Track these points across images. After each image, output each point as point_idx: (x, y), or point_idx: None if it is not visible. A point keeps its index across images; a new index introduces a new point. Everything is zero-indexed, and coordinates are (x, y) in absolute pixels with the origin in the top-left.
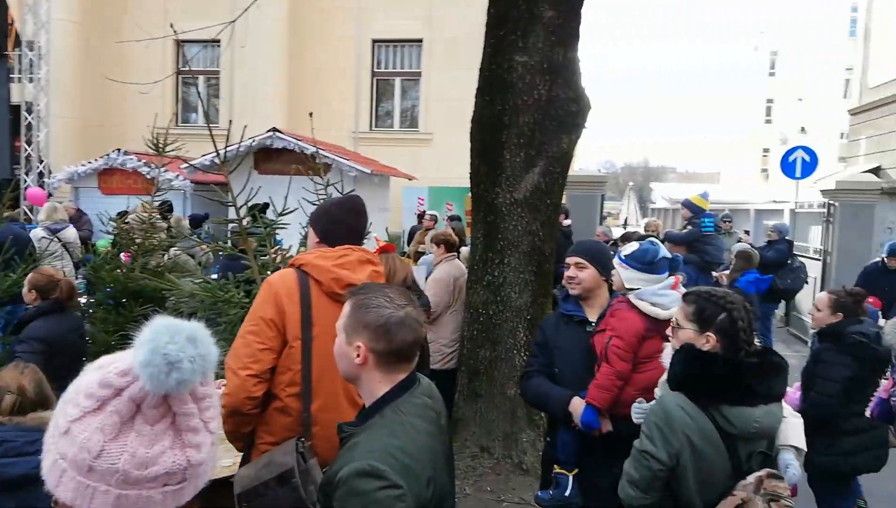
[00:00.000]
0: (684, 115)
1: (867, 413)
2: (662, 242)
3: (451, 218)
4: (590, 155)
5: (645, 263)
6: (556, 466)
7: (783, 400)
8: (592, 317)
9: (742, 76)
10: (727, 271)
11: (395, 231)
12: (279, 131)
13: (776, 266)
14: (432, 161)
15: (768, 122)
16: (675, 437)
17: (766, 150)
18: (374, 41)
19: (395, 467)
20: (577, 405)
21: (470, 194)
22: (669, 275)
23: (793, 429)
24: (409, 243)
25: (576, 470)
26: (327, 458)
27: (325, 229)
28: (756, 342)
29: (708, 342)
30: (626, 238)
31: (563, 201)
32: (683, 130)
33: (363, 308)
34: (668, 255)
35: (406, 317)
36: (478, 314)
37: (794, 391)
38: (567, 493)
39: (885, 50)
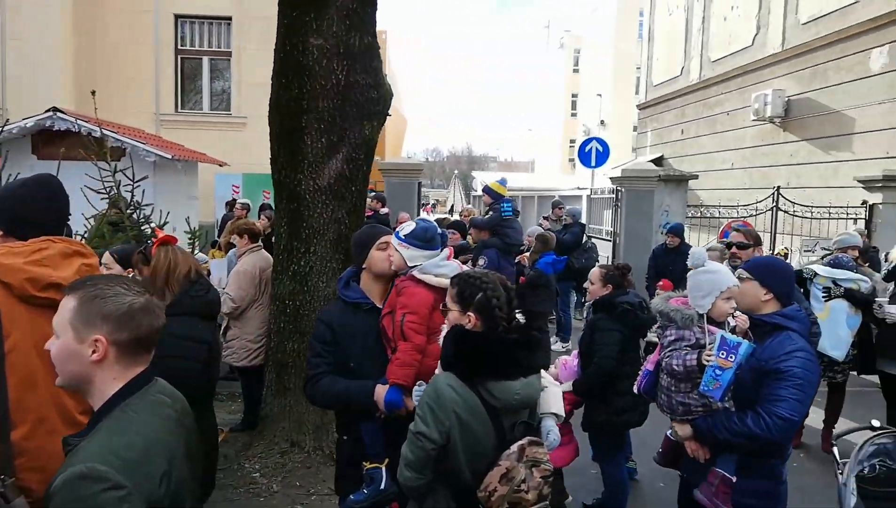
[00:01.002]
0: (505, 107)
1: (634, 388)
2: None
3: (263, 207)
4: (417, 143)
5: (425, 240)
6: (365, 462)
7: (558, 367)
8: (380, 302)
9: (552, 72)
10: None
11: (206, 221)
12: (60, 111)
13: (572, 248)
14: (247, 146)
15: (574, 115)
16: (445, 415)
17: (572, 141)
18: (177, 16)
19: (119, 466)
20: (382, 391)
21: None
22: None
23: (553, 397)
24: (219, 234)
25: (387, 460)
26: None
27: (11, 218)
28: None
29: (469, 321)
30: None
31: (381, 190)
32: (504, 122)
33: (98, 299)
34: (440, 231)
35: (148, 303)
36: (284, 306)
37: (571, 358)
38: (383, 486)
39: (665, 52)
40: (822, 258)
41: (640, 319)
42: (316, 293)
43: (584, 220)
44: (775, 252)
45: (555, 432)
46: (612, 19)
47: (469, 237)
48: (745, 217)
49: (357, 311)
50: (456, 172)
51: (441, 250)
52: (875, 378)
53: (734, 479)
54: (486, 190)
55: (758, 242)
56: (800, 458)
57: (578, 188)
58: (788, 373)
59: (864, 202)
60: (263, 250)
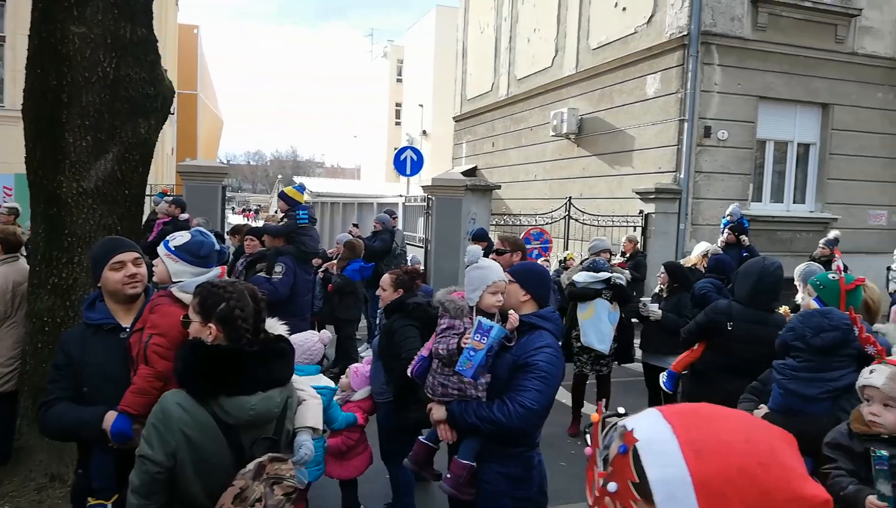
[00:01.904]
0: (331, 112)
1: (408, 371)
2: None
3: None
4: (238, 145)
5: (198, 256)
6: (90, 498)
7: (349, 376)
8: (127, 321)
9: (376, 80)
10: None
11: None
12: None
13: (381, 254)
14: (21, 144)
15: (398, 124)
16: (171, 435)
17: (396, 149)
18: None
19: None
20: (111, 418)
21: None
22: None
23: (310, 410)
24: None
25: (115, 496)
26: None
27: None
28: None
29: (211, 332)
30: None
31: (180, 194)
32: (331, 127)
33: None
34: (219, 247)
35: None
36: (42, 324)
37: (363, 365)
38: None
39: (477, 67)
40: (582, 263)
41: (429, 314)
42: (80, 309)
43: (400, 226)
44: (559, 258)
45: (307, 446)
46: (432, 33)
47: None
48: (542, 225)
49: (98, 332)
50: (280, 176)
51: (213, 269)
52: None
53: (474, 465)
54: (282, 196)
55: (516, 248)
56: (577, 446)
57: (401, 196)
58: (534, 366)
59: (641, 212)
60: (23, 260)
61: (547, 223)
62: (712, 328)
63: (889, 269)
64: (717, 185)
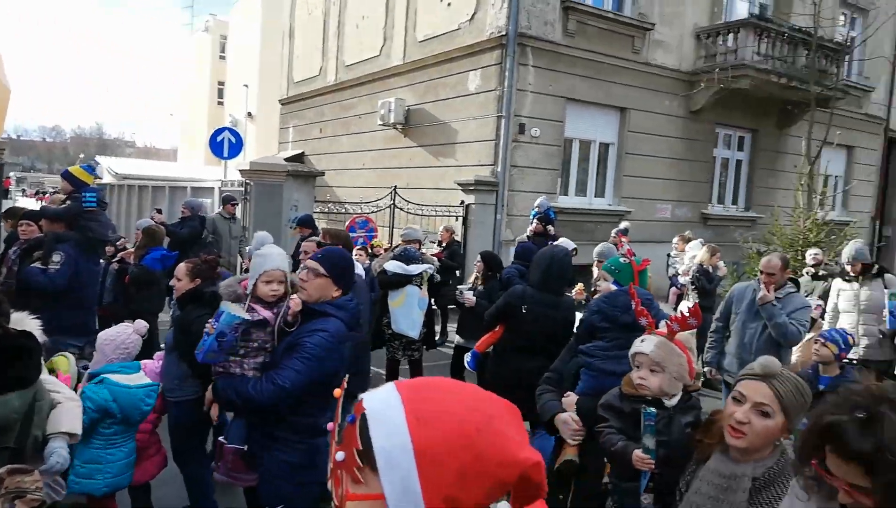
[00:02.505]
0: (150, 89)
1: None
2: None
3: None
4: (32, 118)
5: None
6: None
7: (143, 369)
8: None
9: (197, 56)
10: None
11: None
12: None
13: (189, 242)
14: None
15: (220, 104)
16: None
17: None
18: None
19: None
20: None
21: None
22: None
23: (66, 414)
24: None
25: None
26: None
27: None
28: None
29: None
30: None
31: None
32: (145, 103)
33: None
34: None
35: None
36: None
37: (154, 360)
38: None
39: (306, 50)
40: (393, 250)
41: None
42: None
43: (214, 213)
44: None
45: (60, 454)
46: (259, 10)
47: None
48: (368, 213)
49: None
50: (82, 155)
51: None
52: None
53: (242, 448)
54: (65, 176)
55: (338, 241)
56: None
57: (219, 181)
58: (300, 347)
59: (462, 202)
60: None
61: (373, 212)
62: (509, 311)
63: (669, 255)
64: (529, 178)
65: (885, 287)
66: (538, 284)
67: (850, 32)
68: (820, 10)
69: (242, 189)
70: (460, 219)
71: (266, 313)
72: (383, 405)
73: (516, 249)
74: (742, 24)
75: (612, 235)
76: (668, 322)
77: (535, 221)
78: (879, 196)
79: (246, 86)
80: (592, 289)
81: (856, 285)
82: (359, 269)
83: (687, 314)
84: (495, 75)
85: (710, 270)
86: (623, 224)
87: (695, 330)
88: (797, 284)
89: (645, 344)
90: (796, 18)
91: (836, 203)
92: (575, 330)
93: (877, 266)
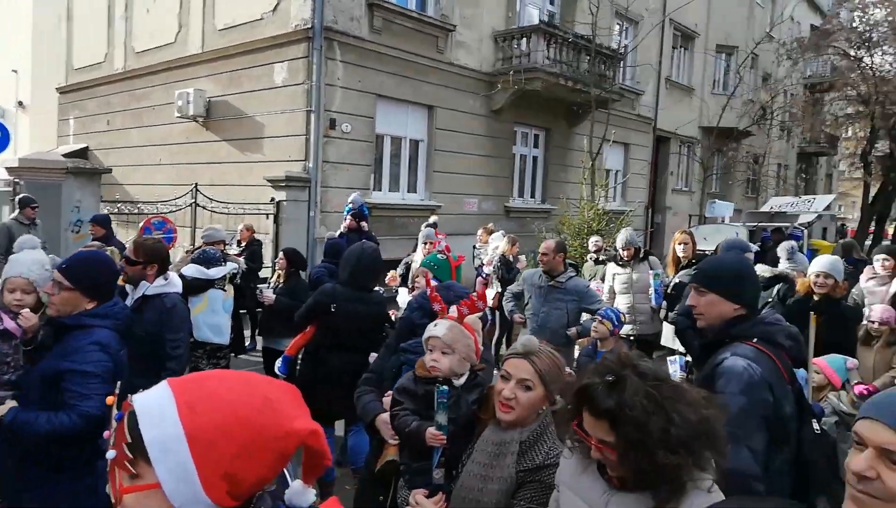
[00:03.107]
0: None
1: None
2: None
3: None
4: None
5: None
6: None
7: None
8: None
9: None
10: None
11: None
12: None
13: None
14: None
15: None
16: None
17: None
18: None
19: None
20: None
21: None
22: None
23: None
24: None
25: None
26: None
27: None
28: None
29: None
30: None
31: None
32: None
33: None
34: None
35: None
36: None
37: None
38: None
39: (88, 34)
40: (193, 252)
41: None
42: None
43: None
44: (187, 248)
45: None
46: None
47: None
48: (166, 213)
49: None
50: None
51: None
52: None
53: None
54: None
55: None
56: None
57: None
58: (80, 371)
59: (273, 199)
60: None
61: (171, 212)
62: (319, 310)
63: (474, 247)
64: (342, 174)
65: (651, 269)
66: (347, 281)
67: (622, 41)
68: (597, 20)
69: (11, 189)
70: (271, 217)
71: (9, 324)
72: (153, 400)
73: (325, 246)
74: (533, 30)
75: (423, 228)
76: (459, 306)
77: (348, 217)
78: (650, 188)
79: (15, 71)
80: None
81: (628, 268)
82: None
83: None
84: (303, 69)
85: (511, 259)
86: (432, 218)
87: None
88: (577, 268)
89: (437, 328)
90: (578, 27)
91: (616, 195)
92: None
93: (643, 250)
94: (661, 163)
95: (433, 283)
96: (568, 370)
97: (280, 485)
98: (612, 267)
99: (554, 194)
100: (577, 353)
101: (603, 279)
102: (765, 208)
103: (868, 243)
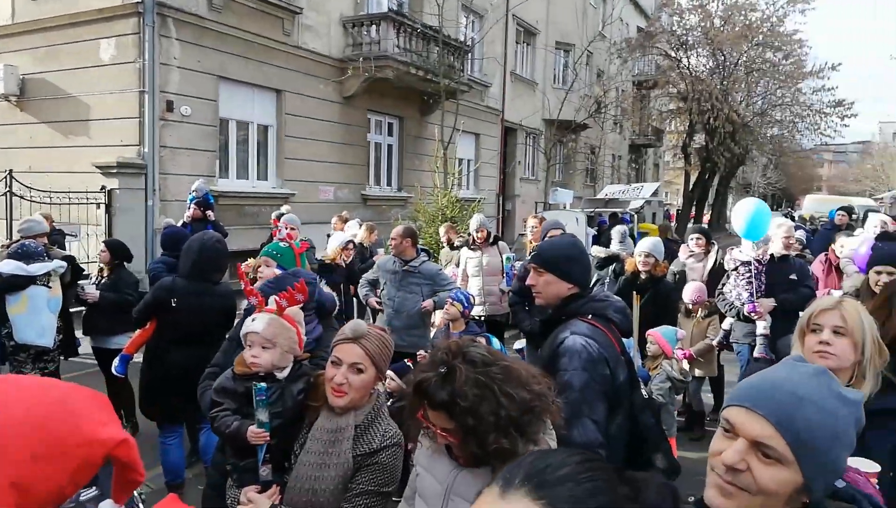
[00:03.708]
0: None
1: None
2: None
3: None
4: None
5: None
6: None
7: None
8: None
9: None
10: None
11: None
12: None
13: None
14: None
15: None
16: None
17: None
18: None
19: None
20: None
21: None
22: None
23: None
24: None
25: None
26: None
27: None
28: None
29: None
30: None
31: None
32: None
33: None
34: None
35: None
36: None
37: None
38: None
39: None
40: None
41: None
42: None
43: None
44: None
45: None
46: None
47: None
48: None
49: None
50: None
51: None
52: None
53: None
54: None
55: None
56: None
57: None
58: None
59: (104, 187)
60: None
61: None
62: (159, 306)
63: (328, 236)
64: (183, 160)
65: (501, 253)
66: (189, 273)
67: (468, 34)
68: (444, 12)
69: None
70: (102, 206)
71: None
72: None
73: (161, 239)
74: (383, 18)
75: (273, 217)
76: (277, 299)
77: (192, 205)
78: (500, 176)
79: None
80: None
81: (479, 252)
82: None
83: (295, 291)
84: (134, 46)
85: (369, 247)
86: (283, 207)
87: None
88: (429, 253)
89: (256, 323)
90: (426, 17)
91: (470, 183)
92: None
93: (493, 235)
94: (510, 153)
95: (277, 272)
96: (422, 352)
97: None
98: (465, 251)
99: (410, 181)
100: (432, 334)
101: (458, 265)
102: (600, 195)
103: (690, 225)
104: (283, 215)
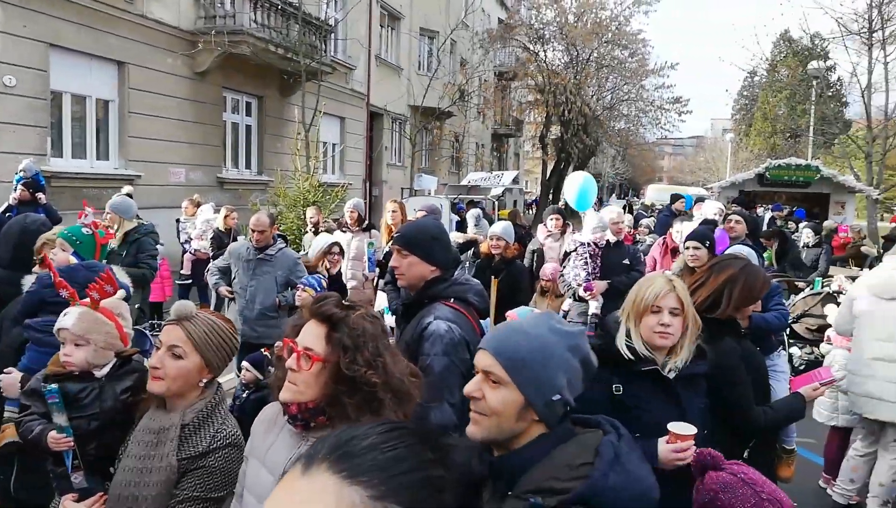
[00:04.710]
0: None
1: None
2: None
3: None
4: None
5: None
6: None
7: None
8: None
9: None
10: None
11: None
12: None
13: None
14: None
15: None
16: None
17: None
18: None
19: None
20: None
21: None
22: None
23: None
24: None
25: None
26: None
27: None
28: None
29: None
30: None
31: None
32: None
33: None
34: None
35: None
36: None
37: None
38: None
39: None
40: None
41: None
42: None
43: None
44: None
45: None
46: None
47: None
48: None
49: None
50: None
51: None
52: None
53: None
54: None
55: None
56: None
57: None
58: None
59: None
60: None
61: None
62: None
63: (178, 221)
64: (8, 137)
65: (370, 239)
66: (8, 261)
67: (331, 13)
68: None
69: None
70: None
71: None
72: None
73: None
74: None
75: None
76: (89, 291)
77: (19, 187)
78: (367, 161)
79: None
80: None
81: (350, 235)
82: None
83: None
84: None
85: (228, 232)
86: (126, 189)
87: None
88: (286, 240)
89: (66, 318)
90: None
91: (336, 168)
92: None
93: (367, 222)
94: (376, 138)
95: (73, 259)
96: (278, 343)
97: None
98: (338, 235)
99: (270, 164)
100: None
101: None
102: (464, 182)
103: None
104: (129, 196)
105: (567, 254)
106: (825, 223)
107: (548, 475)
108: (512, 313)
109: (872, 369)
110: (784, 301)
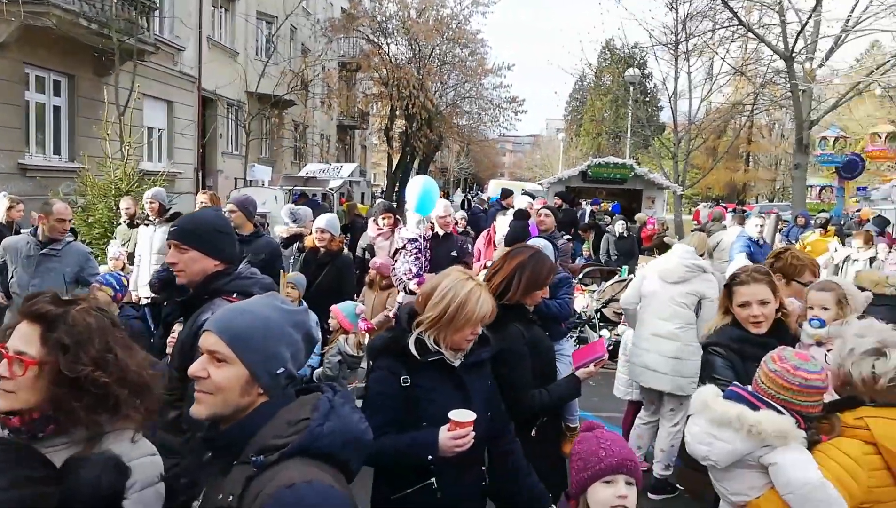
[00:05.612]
0: None
1: None
2: None
3: None
4: None
5: None
6: None
7: None
8: None
9: None
10: None
11: None
12: None
13: None
14: None
15: None
16: None
17: None
18: None
19: None
20: None
21: None
22: None
23: None
24: None
25: None
26: None
27: None
28: None
29: None
30: None
31: None
32: None
33: None
34: None
35: None
36: None
37: None
38: None
39: None
40: None
41: None
42: None
43: None
44: None
45: None
46: None
47: None
48: None
49: None
50: None
51: None
52: None
53: None
54: None
55: None
56: None
57: None
58: None
59: None
60: None
61: None
62: None
63: None
64: None
65: None
66: None
67: None
68: None
69: None
70: None
71: None
72: None
73: None
74: None
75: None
76: None
77: None
78: (199, 149)
79: None
80: None
81: (152, 228)
82: None
83: None
84: None
85: (10, 226)
86: None
87: None
88: (75, 233)
89: None
90: None
91: (162, 155)
92: None
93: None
94: (210, 124)
95: None
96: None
97: None
98: (143, 230)
99: (84, 150)
100: None
101: (133, 245)
102: (301, 174)
103: (378, 201)
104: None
105: (397, 251)
106: (637, 216)
107: (271, 434)
108: (334, 308)
109: (651, 343)
110: (572, 294)
